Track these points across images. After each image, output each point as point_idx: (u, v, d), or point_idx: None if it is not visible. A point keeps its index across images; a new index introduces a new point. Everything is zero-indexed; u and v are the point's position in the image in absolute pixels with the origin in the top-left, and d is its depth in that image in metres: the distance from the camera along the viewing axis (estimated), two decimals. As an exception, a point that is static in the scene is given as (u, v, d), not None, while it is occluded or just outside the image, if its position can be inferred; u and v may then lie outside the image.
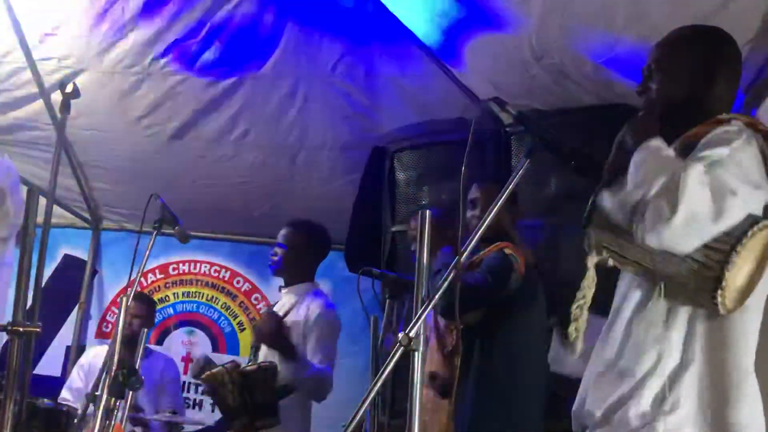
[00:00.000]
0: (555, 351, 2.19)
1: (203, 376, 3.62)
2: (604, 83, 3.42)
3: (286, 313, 3.73)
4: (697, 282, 1.67)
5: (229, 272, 5.81)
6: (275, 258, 3.84)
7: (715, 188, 1.62)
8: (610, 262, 1.86)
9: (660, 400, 1.71)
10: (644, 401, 1.72)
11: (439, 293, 1.79)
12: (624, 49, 3.15)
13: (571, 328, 1.88)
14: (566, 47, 3.35)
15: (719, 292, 1.64)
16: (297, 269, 3.81)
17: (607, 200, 1.74)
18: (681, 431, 1.69)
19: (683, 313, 1.74)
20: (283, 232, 3.84)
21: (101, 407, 2.57)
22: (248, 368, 3.59)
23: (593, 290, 1.88)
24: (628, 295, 1.85)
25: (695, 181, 1.61)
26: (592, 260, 1.87)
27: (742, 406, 1.69)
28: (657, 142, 1.74)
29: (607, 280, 1.93)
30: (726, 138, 1.71)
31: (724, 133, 1.73)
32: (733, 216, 1.64)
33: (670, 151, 1.73)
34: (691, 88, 1.88)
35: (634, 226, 1.67)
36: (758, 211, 1.69)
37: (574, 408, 1.92)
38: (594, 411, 1.81)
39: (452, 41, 3.74)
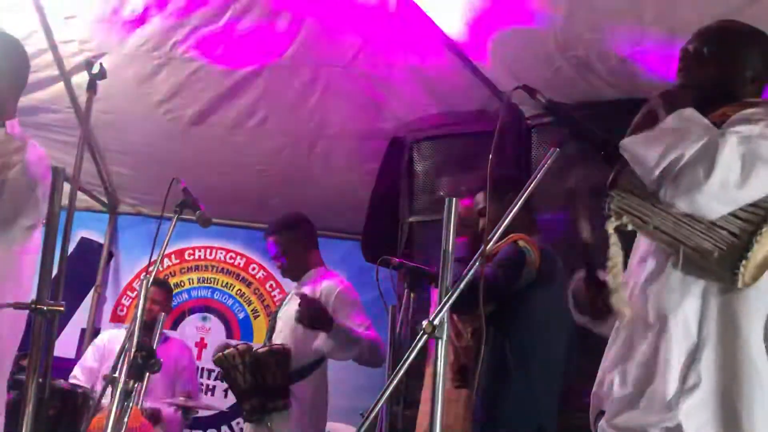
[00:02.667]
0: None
1: (215, 358, 3.64)
2: (629, 77, 3.40)
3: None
4: (722, 251, 1.67)
5: (244, 259, 5.83)
6: (279, 266, 3.87)
7: (747, 157, 1.64)
8: (630, 227, 1.85)
9: (686, 373, 1.71)
10: (670, 376, 1.71)
11: (462, 285, 1.78)
12: (651, 44, 3.13)
13: (614, 299, 1.85)
14: (592, 41, 3.34)
15: (743, 262, 1.64)
16: (300, 263, 3.83)
17: (633, 147, 1.74)
18: (698, 413, 1.69)
19: (698, 285, 1.74)
20: (268, 243, 3.84)
21: (119, 389, 2.58)
22: (260, 350, 3.60)
23: (621, 254, 1.87)
24: (644, 262, 1.84)
25: (730, 149, 1.64)
26: (611, 225, 1.86)
27: (751, 395, 1.70)
28: (692, 111, 1.76)
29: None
30: (756, 118, 1.74)
31: (754, 114, 1.76)
32: (764, 185, 1.66)
33: (705, 120, 1.74)
34: (729, 80, 1.92)
35: (663, 188, 1.67)
36: None
37: (594, 389, 1.91)
38: (618, 392, 1.80)
39: (476, 33, 3.72)
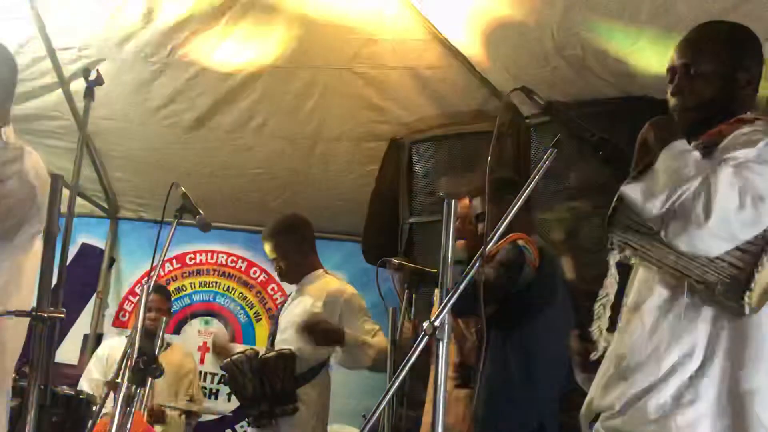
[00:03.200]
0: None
1: (222, 364, 3.64)
2: (626, 75, 3.40)
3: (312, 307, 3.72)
4: (726, 283, 1.66)
5: (245, 263, 5.83)
6: (279, 269, 3.85)
7: (745, 193, 1.61)
8: (632, 260, 1.85)
9: (680, 394, 1.71)
10: (665, 394, 1.71)
11: (462, 286, 1.78)
12: (647, 42, 3.13)
13: (594, 327, 1.87)
14: (589, 39, 3.33)
15: (748, 293, 1.64)
16: (299, 267, 3.82)
17: (632, 194, 1.73)
18: (697, 426, 1.69)
19: (708, 311, 1.73)
20: (267, 247, 3.82)
21: (122, 395, 2.58)
22: (267, 355, 3.60)
23: (615, 288, 1.87)
24: (649, 292, 1.84)
25: (726, 185, 1.61)
26: (614, 258, 1.86)
27: (761, 406, 1.69)
28: (683, 144, 1.72)
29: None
30: (752, 139, 1.70)
31: (751, 134, 1.72)
32: (762, 224, 1.63)
33: (696, 154, 1.71)
34: (726, 87, 1.87)
35: (663, 229, 1.66)
36: None
37: (582, 410, 1.91)
38: (610, 405, 1.80)
39: (473, 33, 3.72)
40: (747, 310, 1.66)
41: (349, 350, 3.50)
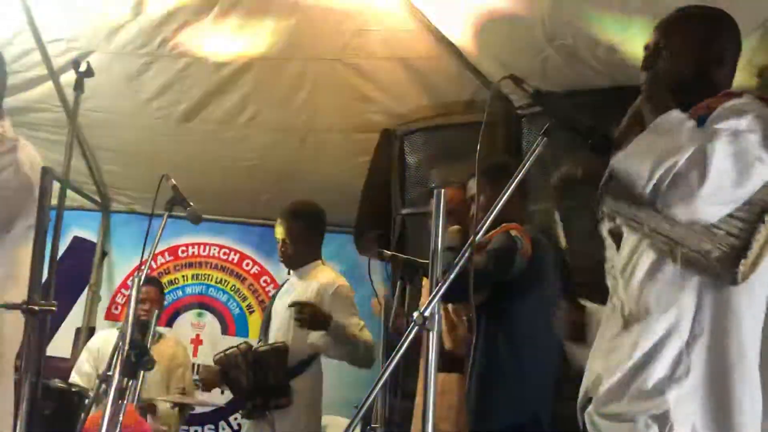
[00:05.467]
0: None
1: (216, 357, 3.64)
2: (617, 65, 3.40)
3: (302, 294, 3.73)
4: (723, 251, 1.67)
5: (238, 255, 5.83)
6: (283, 251, 3.83)
7: (739, 156, 1.64)
8: (624, 230, 1.85)
9: (672, 368, 1.72)
10: (657, 369, 1.72)
11: (452, 276, 1.78)
12: (638, 31, 3.13)
13: (614, 299, 1.87)
14: (579, 29, 3.34)
15: (743, 261, 1.65)
16: (303, 255, 3.82)
17: (623, 163, 1.74)
18: (690, 402, 1.70)
19: (695, 280, 1.74)
20: (280, 228, 3.81)
21: (113, 388, 2.58)
22: (261, 349, 3.60)
23: (617, 256, 1.88)
24: (637, 258, 1.85)
25: (721, 151, 1.63)
26: (605, 227, 1.86)
27: (741, 389, 1.71)
28: (678, 114, 1.74)
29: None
30: (741, 109, 1.72)
31: (740, 105, 1.74)
32: (758, 180, 1.65)
33: (692, 122, 1.73)
34: (698, 67, 1.89)
35: (658, 199, 1.66)
36: None
37: (584, 378, 1.91)
38: (607, 382, 1.81)
39: (464, 23, 3.72)
40: (740, 280, 1.67)
41: (333, 336, 3.50)
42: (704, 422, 1.70)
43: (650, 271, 1.80)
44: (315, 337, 3.54)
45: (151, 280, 4.61)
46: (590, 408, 1.84)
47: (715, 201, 1.64)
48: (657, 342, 1.74)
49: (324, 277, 3.74)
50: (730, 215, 1.66)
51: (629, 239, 1.87)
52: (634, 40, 3.23)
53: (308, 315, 3.45)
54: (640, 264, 1.82)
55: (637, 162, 1.71)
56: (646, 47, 1.96)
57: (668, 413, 1.69)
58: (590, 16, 3.28)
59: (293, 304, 3.49)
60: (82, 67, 2.23)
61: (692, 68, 1.89)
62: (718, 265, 1.69)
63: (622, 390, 1.77)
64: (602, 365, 1.84)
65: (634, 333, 1.79)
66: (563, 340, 2.21)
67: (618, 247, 1.88)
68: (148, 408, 4.23)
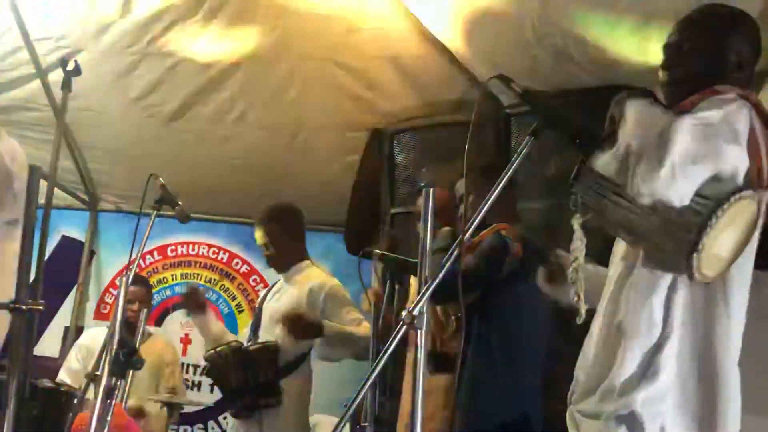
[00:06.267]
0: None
1: (206, 355, 3.63)
2: (606, 64, 3.41)
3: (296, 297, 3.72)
4: (675, 243, 1.67)
5: (227, 254, 5.82)
6: (267, 255, 3.83)
7: (703, 135, 1.64)
8: (595, 223, 1.86)
9: (644, 366, 1.72)
10: (627, 369, 1.73)
11: (440, 276, 1.78)
12: (626, 30, 3.14)
13: (572, 294, 1.89)
14: (568, 28, 3.35)
15: (695, 255, 1.64)
16: (288, 257, 3.81)
17: (600, 159, 1.75)
18: (658, 402, 1.71)
19: (664, 280, 1.75)
20: (258, 233, 3.80)
21: (102, 387, 2.57)
22: (251, 347, 3.60)
23: (583, 250, 1.88)
24: (617, 262, 1.86)
25: (685, 129, 1.63)
26: (577, 221, 1.87)
27: (717, 388, 1.72)
28: (649, 101, 1.75)
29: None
30: (719, 104, 1.73)
31: (718, 100, 1.75)
32: (724, 160, 1.65)
33: (659, 106, 1.74)
34: (713, 68, 1.89)
35: (628, 179, 1.67)
36: (741, 174, 1.69)
37: (569, 398, 1.93)
38: (582, 380, 1.83)
39: (453, 22, 3.73)
40: (698, 276, 1.67)
41: (330, 343, 3.50)
42: (677, 422, 1.71)
43: (622, 272, 1.82)
44: (315, 343, 3.55)
45: (138, 280, 4.58)
46: (572, 407, 1.86)
47: (676, 181, 1.61)
48: (626, 342, 1.75)
49: (314, 277, 3.74)
50: (688, 207, 1.64)
51: (618, 245, 1.88)
52: (623, 40, 3.25)
53: (300, 326, 3.45)
54: (614, 269, 1.85)
55: (611, 150, 1.72)
56: (667, 45, 1.96)
57: (635, 414, 1.70)
58: (579, 16, 3.29)
59: (281, 320, 3.48)
60: (70, 66, 2.22)
61: (707, 67, 1.89)
62: (674, 259, 1.70)
63: (594, 388, 1.79)
64: (581, 364, 1.86)
65: (606, 333, 1.81)
66: (539, 283, 2.23)
67: (587, 241, 1.88)
68: (136, 413, 4.21)
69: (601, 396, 1.76)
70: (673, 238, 1.68)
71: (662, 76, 1.93)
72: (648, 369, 1.72)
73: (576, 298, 1.88)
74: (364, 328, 3.58)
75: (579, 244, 1.88)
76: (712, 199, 1.64)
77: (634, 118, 1.70)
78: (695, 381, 1.72)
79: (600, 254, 2.00)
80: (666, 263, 1.74)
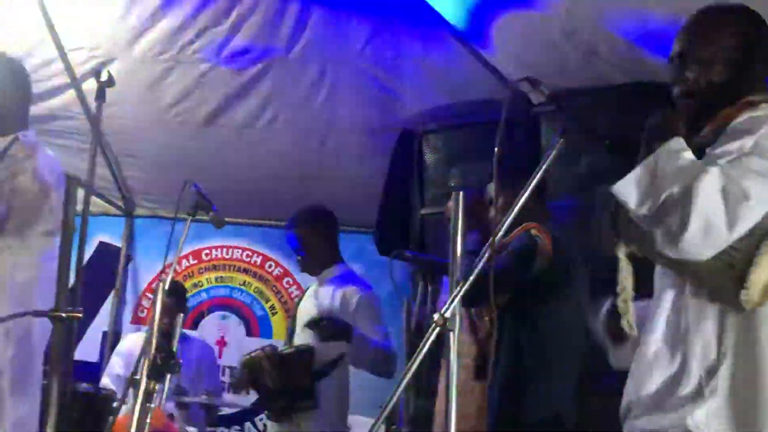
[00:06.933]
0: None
1: (242, 360, 3.66)
2: (636, 61, 3.38)
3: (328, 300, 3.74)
4: (721, 280, 1.65)
5: (260, 257, 5.87)
6: (300, 259, 3.85)
7: (730, 194, 1.57)
8: (640, 254, 1.84)
9: (695, 390, 1.71)
10: (681, 390, 1.72)
11: (472, 278, 1.79)
12: (656, 26, 3.11)
13: (624, 323, 1.86)
14: (597, 25, 3.32)
15: (743, 291, 1.62)
16: (321, 260, 3.82)
17: (623, 195, 1.70)
18: (714, 421, 1.69)
19: (715, 306, 1.72)
20: (290, 236, 3.82)
21: (141, 391, 2.61)
22: (286, 351, 3.62)
23: (631, 278, 1.86)
24: (665, 284, 1.84)
25: (708, 189, 1.57)
26: (621, 250, 1.85)
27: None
28: (676, 144, 1.68)
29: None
30: (750, 127, 1.66)
31: (751, 121, 1.69)
32: (749, 222, 1.59)
33: (687, 154, 1.66)
34: (729, 74, 1.80)
35: (651, 233, 1.64)
36: None
37: (624, 393, 1.91)
38: (642, 399, 1.81)
39: (480, 21, 3.72)
40: (748, 306, 1.65)
41: (355, 347, 3.52)
42: None
43: (675, 297, 1.78)
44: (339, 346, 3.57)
45: (172, 292, 4.62)
46: (628, 421, 1.84)
47: (702, 242, 1.58)
48: (683, 363, 1.73)
49: (349, 282, 3.75)
50: (731, 246, 1.60)
51: (657, 267, 1.86)
52: (653, 36, 3.21)
53: (327, 329, 3.46)
54: (666, 292, 1.80)
55: (630, 194, 1.67)
56: (671, 59, 1.88)
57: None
58: (608, 12, 3.26)
59: (309, 324, 3.50)
60: (103, 77, 2.26)
61: (722, 77, 1.80)
62: (723, 296, 1.68)
63: (651, 406, 1.77)
64: (637, 382, 1.84)
65: (661, 352, 1.78)
66: (603, 339, 2.19)
67: (634, 271, 1.86)
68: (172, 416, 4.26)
69: (659, 413, 1.75)
70: (720, 275, 1.65)
71: (674, 91, 1.85)
72: (704, 389, 1.70)
73: (628, 328, 1.86)
74: (386, 342, 3.59)
75: (626, 273, 1.85)
76: (754, 235, 1.60)
77: (657, 171, 1.64)
78: (750, 401, 1.69)
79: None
80: (713, 296, 1.71)
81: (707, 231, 1.57)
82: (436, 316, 1.70)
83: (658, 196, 1.61)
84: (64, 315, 2.02)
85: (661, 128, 1.72)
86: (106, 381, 4.62)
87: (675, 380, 1.73)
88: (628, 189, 1.68)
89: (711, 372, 1.70)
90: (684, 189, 1.59)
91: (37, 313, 2.11)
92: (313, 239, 3.78)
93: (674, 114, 1.74)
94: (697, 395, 1.70)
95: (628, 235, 1.78)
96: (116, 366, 4.68)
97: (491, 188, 3.12)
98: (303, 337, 3.69)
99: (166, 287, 2.74)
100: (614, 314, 2.04)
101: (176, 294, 4.71)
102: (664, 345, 1.78)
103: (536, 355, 2.91)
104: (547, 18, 3.44)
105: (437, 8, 3.81)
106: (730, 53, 1.82)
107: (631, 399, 1.85)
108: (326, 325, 3.46)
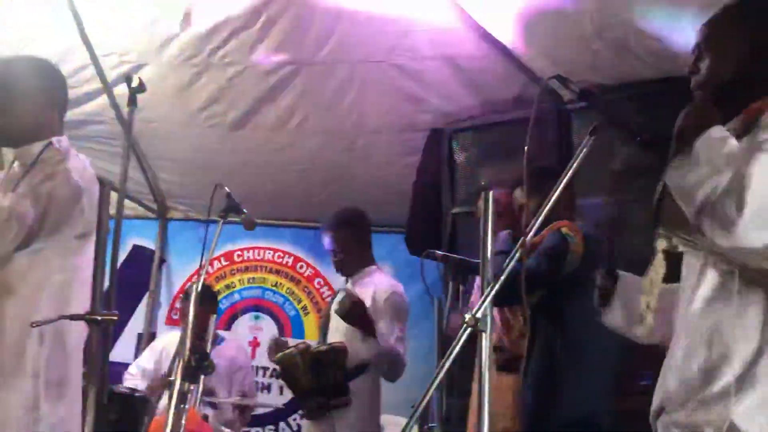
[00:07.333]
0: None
1: (276, 357, 3.69)
2: (667, 56, 3.34)
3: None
4: None
5: (292, 258, 5.90)
6: (335, 260, 3.88)
7: None
8: (680, 248, 1.82)
9: (739, 381, 1.68)
10: (723, 382, 1.69)
11: (503, 278, 1.78)
12: (688, 21, 3.07)
13: (642, 302, 1.85)
14: (628, 21, 3.29)
15: None
16: (355, 261, 3.85)
17: (673, 184, 1.69)
18: (757, 413, 1.66)
19: (759, 295, 1.70)
20: (327, 238, 3.85)
21: (176, 392, 2.64)
22: (320, 349, 3.64)
23: (663, 268, 1.84)
24: (700, 277, 1.81)
25: (761, 172, 1.55)
26: (661, 245, 1.83)
27: None
28: (718, 132, 1.66)
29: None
30: None
31: None
32: None
33: (732, 141, 1.65)
34: (739, 70, 1.79)
35: (701, 225, 1.61)
36: None
37: (657, 388, 1.89)
38: (677, 394, 1.79)
39: (509, 18, 3.70)
40: None
41: (379, 349, 3.54)
42: None
43: (715, 288, 1.75)
44: (364, 348, 3.58)
45: (202, 299, 4.65)
46: (663, 417, 1.81)
47: (757, 228, 1.55)
48: (722, 354, 1.71)
49: (380, 282, 3.77)
50: None
51: (689, 259, 1.84)
52: (684, 31, 3.17)
53: (355, 314, 3.48)
54: (704, 283, 1.77)
55: (683, 184, 1.66)
56: (692, 50, 1.89)
57: (734, 426, 1.66)
58: (639, 8, 3.23)
59: (341, 303, 3.52)
60: (134, 83, 2.28)
61: (733, 68, 1.79)
62: None
63: (687, 399, 1.74)
64: (672, 376, 1.81)
65: (698, 343, 1.76)
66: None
67: (669, 267, 1.84)
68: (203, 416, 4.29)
69: (697, 407, 1.72)
70: None
71: (692, 83, 1.85)
72: (744, 380, 1.68)
73: (645, 308, 1.84)
74: (401, 346, 3.60)
75: (659, 260, 1.84)
76: None
77: (703, 159, 1.63)
78: None
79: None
80: (762, 282, 1.68)
81: (762, 215, 1.54)
82: (467, 317, 1.69)
83: (710, 183, 1.60)
84: (99, 318, 2.05)
85: (697, 117, 1.70)
86: (132, 368, 4.62)
87: (714, 374, 1.70)
88: (677, 179, 1.67)
89: (753, 364, 1.67)
90: (736, 175, 1.57)
91: (74, 317, 2.13)
92: (349, 241, 3.81)
93: (707, 106, 1.73)
94: (739, 389, 1.67)
95: (673, 226, 1.76)
96: (145, 359, 4.71)
97: (518, 193, 3.11)
98: (335, 336, 3.71)
99: (199, 289, 2.77)
100: (608, 275, 2.10)
101: (206, 300, 4.75)
102: (701, 339, 1.76)
103: (570, 354, 2.89)
104: (577, 14, 3.41)
105: (466, 6, 3.80)
106: (742, 46, 1.80)
107: (666, 394, 1.82)
108: (354, 309, 3.46)
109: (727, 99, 1.77)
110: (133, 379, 4.48)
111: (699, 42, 1.87)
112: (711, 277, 1.77)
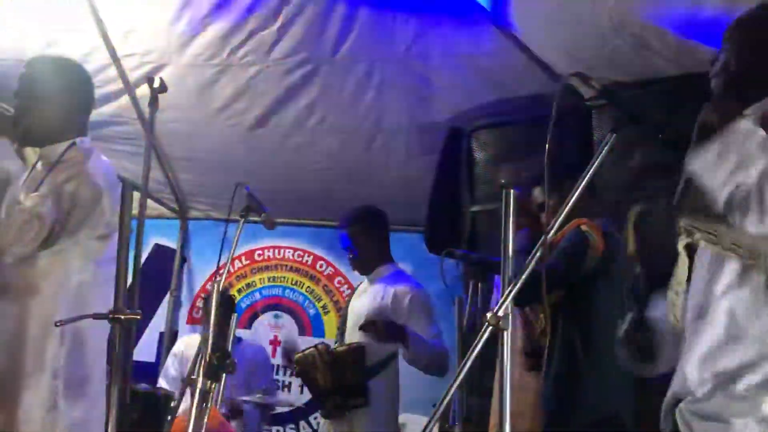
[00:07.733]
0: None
1: (295, 357, 3.71)
2: (687, 52, 3.31)
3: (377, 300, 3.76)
4: None
5: (311, 257, 5.92)
6: (352, 258, 3.89)
7: None
8: (702, 244, 1.81)
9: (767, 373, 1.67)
10: (753, 374, 1.68)
11: (524, 277, 1.77)
12: (707, 17, 3.05)
13: (670, 315, 1.84)
14: (647, 17, 3.27)
15: None
16: (372, 259, 3.85)
17: (700, 175, 1.69)
18: None
19: None
20: (344, 234, 3.86)
21: (198, 390, 2.66)
22: (339, 349, 3.65)
23: (686, 274, 1.83)
24: (717, 268, 1.80)
25: None
26: (682, 242, 1.82)
27: None
28: (747, 124, 1.67)
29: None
30: None
31: None
32: None
33: (762, 132, 1.66)
34: (740, 68, 1.83)
35: (733, 214, 1.62)
36: None
37: (673, 380, 1.88)
38: (694, 389, 1.77)
39: (527, 15, 3.69)
40: None
41: (413, 350, 3.53)
42: None
43: (737, 281, 1.74)
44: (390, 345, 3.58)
45: (220, 304, 4.67)
46: (683, 405, 1.80)
47: None
48: (749, 347, 1.69)
49: (399, 282, 3.77)
50: None
51: (706, 252, 1.83)
52: (704, 26, 3.15)
53: (382, 331, 3.49)
54: (723, 275, 1.77)
55: (707, 177, 1.66)
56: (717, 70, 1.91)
57: (764, 417, 1.65)
58: (658, 3, 3.21)
59: (363, 327, 3.53)
60: (156, 83, 2.30)
61: (735, 68, 1.82)
62: None
63: (717, 391, 1.73)
64: (694, 368, 1.80)
65: (730, 340, 1.74)
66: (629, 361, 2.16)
67: (692, 263, 1.83)
68: (233, 410, 4.32)
69: (727, 398, 1.71)
70: None
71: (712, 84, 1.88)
72: None
73: (673, 321, 1.83)
74: (439, 342, 3.59)
75: (683, 267, 1.83)
76: None
77: (735, 148, 1.64)
78: None
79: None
80: None
81: None
82: (488, 315, 1.69)
83: (742, 172, 1.60)
84: (122, 317, 2.07)
85: (721, 111, 1.70)
86: (162, 383, 4.70)
87: (747, 368, 1.69)
88: (705, 175, 1.68)
89: None
90: (764, 171, 1.58)
91: (97, 316, 2.15)
92: (365, 239, 3.82)
93: (730, 100, 1.73)
94: (763, 382, 1.66)
95: (694, 218, 1.75)
96: (171, 368, 4.77)
97: (536, 191, 3.10)
98: (354, 335, 3.72)
99: (220, 288, 2.78)
100: (640, 327, 2.01)
101: (224, 304, 4.77)
102: (729, 332, 1.74)
103: (590, 353, 2.88)
104: (595, 11, 3.39)
105: (483, 3, 3.78)
106: (742, 50, 1.84)
107: (687, 384, 1.80)
108: (381, 326, 3.48)
109: (729, 92, 1.77)
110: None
111: (724, 36, 1.89)
112: (732, 269, 1.76)
